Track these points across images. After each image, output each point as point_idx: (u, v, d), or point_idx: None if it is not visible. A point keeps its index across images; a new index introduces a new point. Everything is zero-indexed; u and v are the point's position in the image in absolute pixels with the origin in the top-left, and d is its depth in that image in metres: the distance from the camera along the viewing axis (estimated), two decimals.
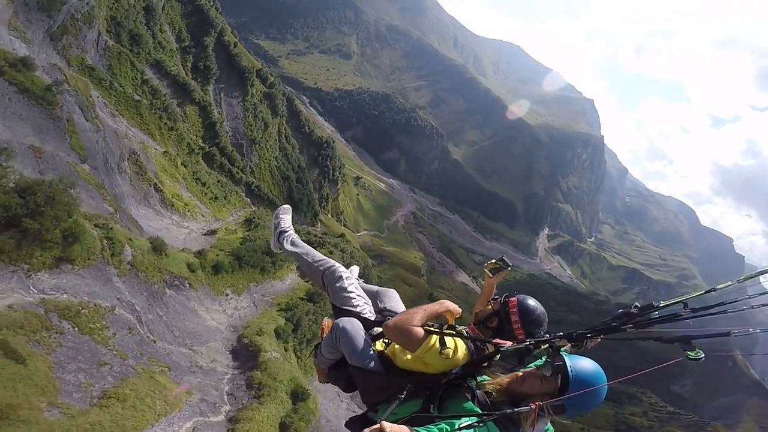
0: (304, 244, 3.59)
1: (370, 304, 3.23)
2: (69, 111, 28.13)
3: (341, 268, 3.29)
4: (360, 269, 4.20)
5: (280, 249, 3.66)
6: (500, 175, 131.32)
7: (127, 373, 16.94)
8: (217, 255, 31.53)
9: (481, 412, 2.10)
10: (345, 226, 77.72)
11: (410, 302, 3.01)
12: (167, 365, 19.82)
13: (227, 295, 30.14)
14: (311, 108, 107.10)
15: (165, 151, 42.93)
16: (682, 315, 1.89)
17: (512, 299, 2.67)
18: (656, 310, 1.96)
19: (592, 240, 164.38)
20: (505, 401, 2.22)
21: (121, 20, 46.29)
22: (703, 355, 1.75)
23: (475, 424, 1.89)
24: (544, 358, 2.29)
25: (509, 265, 3.23)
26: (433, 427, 1.87)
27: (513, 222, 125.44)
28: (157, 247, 23.09)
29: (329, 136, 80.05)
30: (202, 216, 42.11)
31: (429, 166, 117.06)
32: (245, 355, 26.09)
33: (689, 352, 1.76)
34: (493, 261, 3.24)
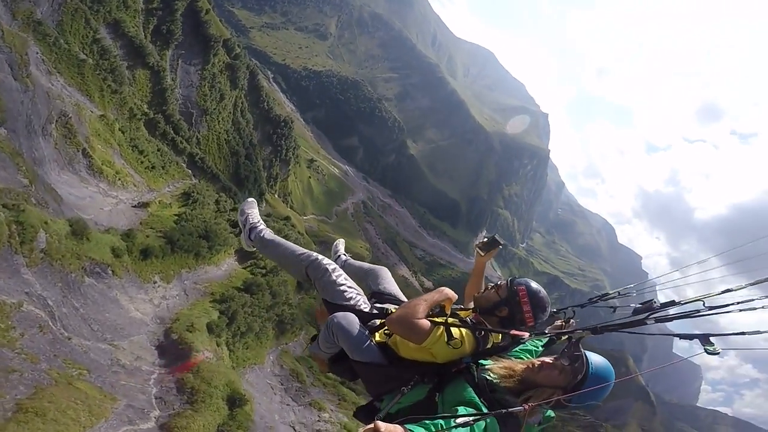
0: (280, 238, 3.48)
1: (363, 294, 3.16)
2: None
3: (326, 260, 3.19)
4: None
5: (254, 246, 3.55)
6: (451, 175, 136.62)
7: (41, 380, 15.16)
8: (147, 237, 29.90)
9: (479, 403, 2.11)
10: (291, 208, 78.69)
11: None
12: (86, 367, 18.01)
13: (155, 282, 28.52)
14: (274, 84, 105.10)
15: (102, 115, 41.86)
16: (700, 312, 1.94)
17: (521, 287, 2.66)
18: (676, 305, 2.03)
19: (523, 246, 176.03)
20: (515, 388, 2.21)
21: None
22: (720, 350, 1.79)
23: (471, 422, 1.87)
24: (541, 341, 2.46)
25: (501, 243, 3.29)
26: (429, 423, 1.84)
27: (456, 222, 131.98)
28: (78, 230, 21.26)
29: (288, 115, 79.89)
30: (134, 186, 41.66)
31: (386, 158, 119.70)
32: (174, 352, 23.81)
33: (707, 347, 1.80)
34: (485, 239, 3.23)
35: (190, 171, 54.08)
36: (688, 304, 2.04)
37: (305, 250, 3.30)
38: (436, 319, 2.51)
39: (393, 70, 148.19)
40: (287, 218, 67.80)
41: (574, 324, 2.85)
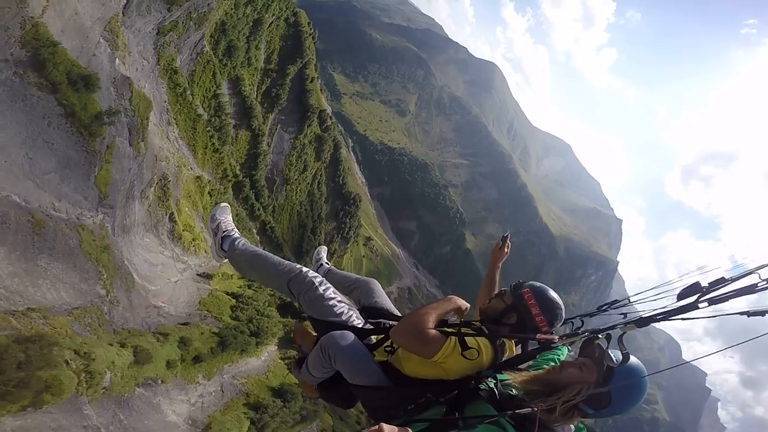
0: (257, 249, 3.08)
1: (355, 308, 2.83)
2: (115, 134, 27.34)
3: (311, 273, 2.82)
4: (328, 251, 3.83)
5: (225, 257, 3.13)
6: (505, 275, 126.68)
7: None
8: (202, 337, 29.66)
9: (503, 421, 1.91)
10: None
11: None
12: None
13: (198, 383, 28.00)
14: (351, 153, 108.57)
15: (198, 176, 42.46)
16: (759, 285, 1.63)
17: (525, 290, 2.52)
18: (728, 283, 1.72)
19: (572, 354, 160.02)
20: (540, 393, 2.05)
21: (228, 28, 47.86)
22: None
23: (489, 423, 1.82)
24: (563, 355, 2.31)
25: (506, 234, 3.24)
26: None
27: None
28: (141, 358, 21.37)
29: (357, 193, 79.79)
30: (205, 252, 40.89)
31: (441, 248, 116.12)
32: None
33: None
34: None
35: (258, 238, 53.25)
36: (742, 280, 1.72)
37: (287, 262, 2.88)
38: (447, 330, 2.28)
39: (464, 156, 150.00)
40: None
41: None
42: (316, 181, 66.30)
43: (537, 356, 2.37)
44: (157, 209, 34.98)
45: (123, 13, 33.95)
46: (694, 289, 1.80)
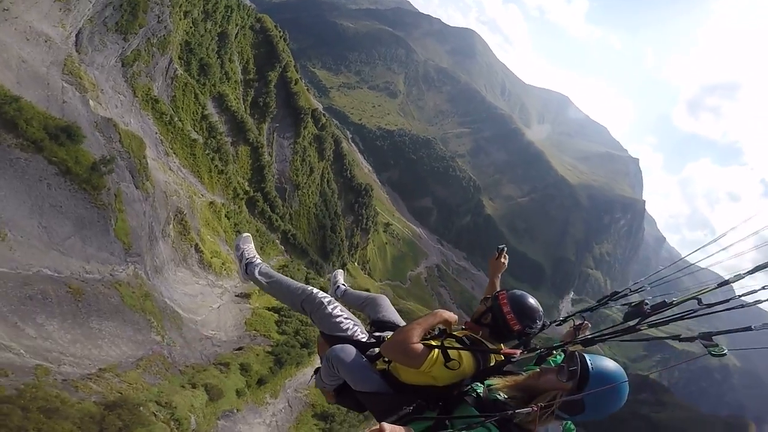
0: (276, 273, 3.51)
1: (360, 324, 3.12)
2: (118, 180, 26.79)
3: (320, 294, 3.18)
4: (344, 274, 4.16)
5: (250, 280, 3.56)
6: (532, 235, 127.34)
7: None
8: (258, 358, 30.15)
9: (488, 425, 2.02)
10: (369, 275, 75.78)
11: None
12: None
13: (267, 403, 28.68)
14: (353, 144, 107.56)
15: (211, 202, 42.38)
16: (697, 311, 1.81)
17: (502, 293, 2.72)
18: (670, 307, 1.86)
19: (618, 308, 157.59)
20: (521, 398, 2.17)
21: (194, 47, 46.87)
22: (726, 350, 1.74)
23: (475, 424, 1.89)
24: (560, 358, 2.34)
25: (501, 248, 3.47)
26: None
27: (539, 283, 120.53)
28: (214, 394, 22.07)
29: (367, 182, 79.03)
30: (237, 273, 41.05)
31: (461, 219, 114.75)
32: None
33: (711, 349, 1.74)
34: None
35: (282, 247, 53.40)
36: (683, 303, 1.91)
37: (301, 285, 3.29)
38: (432, 342, 2.48)
39: (463, 124, 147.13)
40: (367, 290, 64.70)
41: (589, 326, 2.97)
42: (325, 179, 65.81)
43: (504, 367, 2.44)
44: (181, 243, 35.08)
45: (78, 51, 32.65)
46: (637, 312, 1.97)
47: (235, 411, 24.45)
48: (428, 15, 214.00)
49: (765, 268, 1.75)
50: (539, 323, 2.65)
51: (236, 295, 38.99)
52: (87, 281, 20.83)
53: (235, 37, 53.91)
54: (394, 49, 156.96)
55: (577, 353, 2.11)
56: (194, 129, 45.90)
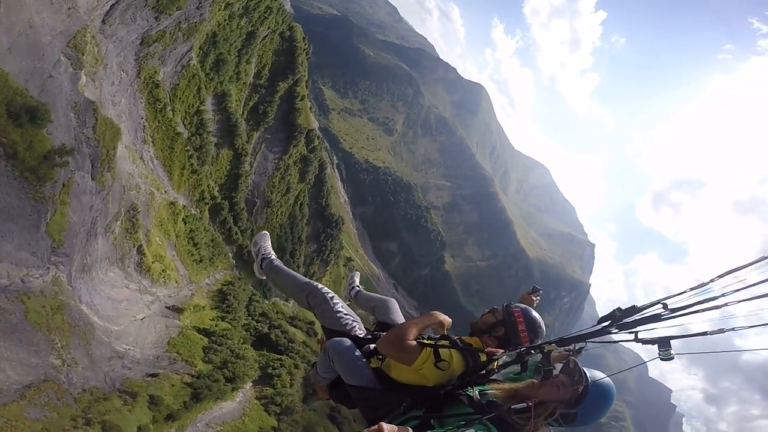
0: (287, 269, 3.71)
1: (359, 321, 3.25)
2: (74, 169, 24.62)
3: (324, 289, 3.36)
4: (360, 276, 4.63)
5: (264, 275, 3.82)
6: (482, 297, 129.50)
7: None
8: (173, 389, 27.79)
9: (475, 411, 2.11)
10: None
11: None
12: None
13: None
14: (336, 170, 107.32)
15: (172, 202, 40.36)
16: (662, 315, 1.93)
17: (516, 309, 2.83)
18: (638, 312, 2.01)
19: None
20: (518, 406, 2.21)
21: (219, 40, 45.97)
22: (674, 356, 1.86)
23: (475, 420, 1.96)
24: (558, 366, 2.44)
25: (538, 288, 3.62)
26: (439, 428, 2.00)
27: None
28: None
29: (339, 216, 78.35)
30: (176, 282, 38.76)
31: (421, 270, 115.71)
32: None
33: (662, 352, 1.86)
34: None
35: (234, 262, 51.23)
36: (650, 308, 2.02)
37: (308, 280, 3.52)
38: (426, 341, 2.56)
39: (447, 177, 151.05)
40: (311, 323, 62.60)
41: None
42: (299, 203, 64.74)
43: (489, 368, 2.52)
44: (123, 242, 32.85)
45: (104, 21, 31.58)
46: (609, 315, 2.08)
47: None
48: (446, 62, 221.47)
49: (728, 274, 1.82)
50: (541, 338, 2.74)
51: (167, 307, 36.57)
52: None
53: (262, 40, 53.39)
54: (405, 87, 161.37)
55: (579, 368, 2.19)
56: (183, 122, 44.35)
